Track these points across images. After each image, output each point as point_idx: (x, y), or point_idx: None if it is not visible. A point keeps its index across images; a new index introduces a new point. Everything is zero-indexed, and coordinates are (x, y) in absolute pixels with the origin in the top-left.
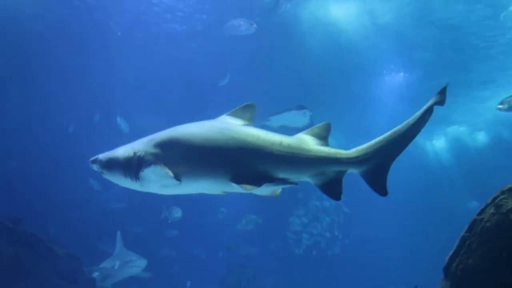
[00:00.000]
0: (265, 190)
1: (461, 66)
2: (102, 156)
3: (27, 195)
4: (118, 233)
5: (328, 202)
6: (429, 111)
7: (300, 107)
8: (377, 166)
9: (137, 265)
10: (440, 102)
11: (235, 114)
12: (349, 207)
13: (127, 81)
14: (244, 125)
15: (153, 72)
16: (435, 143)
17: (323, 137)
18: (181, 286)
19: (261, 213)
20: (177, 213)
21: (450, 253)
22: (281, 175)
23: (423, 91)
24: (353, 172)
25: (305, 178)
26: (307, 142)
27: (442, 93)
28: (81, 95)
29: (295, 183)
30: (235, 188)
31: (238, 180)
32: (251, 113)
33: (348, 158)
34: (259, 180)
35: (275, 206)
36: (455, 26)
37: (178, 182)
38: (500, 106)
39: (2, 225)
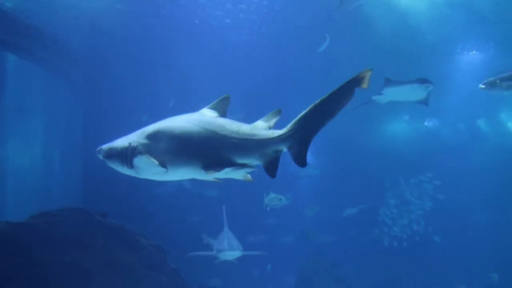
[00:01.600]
0: (236, 174)
1: None
2: (105, 146)
3: (111, 189)
4: (224, 207)
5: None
6: (346, 89)
7: (422, 81)
8: (300, 140)
9: (230, 255)
10: (360, 84)
11: (212, 107)
12: (443, 193)
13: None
14: (218, 116)
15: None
16: None
17: (270, 122)
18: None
19: (339, 200)
20: (278, 200)
21: None
22: (239, 160)
23: (497, 69)
24: (284, 149)
25: (255, 161)
26: (258, 127)
27: (364, 76)
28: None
29: (252, 167)
30: (206, 174)
31: (206, 167)
32: (225, 105)
33: (279, 136)
34: (221, 166)
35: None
36: None
37: (165, 169)
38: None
39: (92, 218)
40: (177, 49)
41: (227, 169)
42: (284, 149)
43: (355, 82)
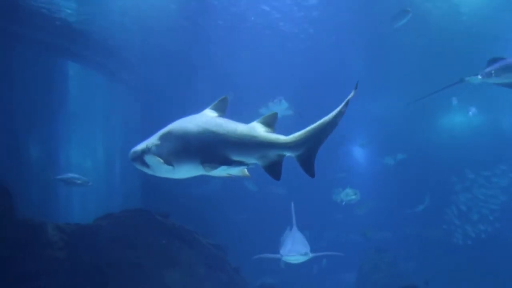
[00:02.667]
0: (233, 170)
1: None
2: (132, 150)
3: (168, 189)
4: (292, 204)
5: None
6: (346, 105)
7: None
8: (307, 151)
9: (295, 259)
10: (352, 97)
11: (213, 107)
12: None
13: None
14: (218, 116)
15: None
16: None
17: (270, 125)
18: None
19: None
20: (354, 195)
21: None
22: (236, 158)
23: None
24: (289, 155)
25: (253, 160)
26: (256, 129)
27: (356, 89)
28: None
29: (247, 165)
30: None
31: (203, 163)
32: (224, 105)
33: (285, 143)
34: (219, 163)
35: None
36: None
37: (171, 167)
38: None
39: (154, 219)
40: (226, 46)
41: (224, 166)
42: (291, 154)
43: (352, 96)
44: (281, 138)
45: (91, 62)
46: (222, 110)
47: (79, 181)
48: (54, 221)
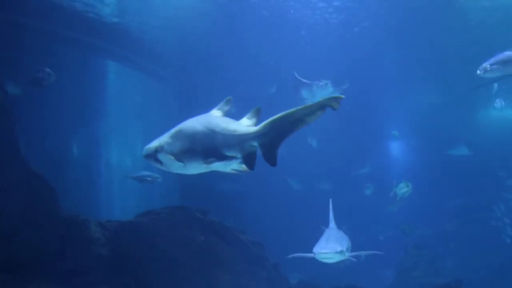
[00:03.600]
0: (234, 166)
1: None
2: (146, 147)
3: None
4: (330, 200)
5: None
6: (321, 107)
7: None
8: (270, 140)
9: (329, 258)
10: (333, 106)
11: (219, 108)
12: None
13: None
14: (221, 116)
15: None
16: None
17: (255, 119)
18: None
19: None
20: (406, 187)
21: None
22: (227, 153)
23: None
24: (256, 144)
25: (238, 154)
26: (241, 124)
27: (337, 100)
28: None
29: (236, 158)
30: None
31: (204, 160)
32: (228, 106)
33: (254, 133)
34: (216, 159)
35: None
36: None
37: (182, 164)
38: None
39: (193, 216)
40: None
41: (222, 162)
42: (256, 144)
43: (329, 102)
44: (251, 129)
45: (129, 61)
46: (226, 110)
47: (149, 178)
48: (96, 219)
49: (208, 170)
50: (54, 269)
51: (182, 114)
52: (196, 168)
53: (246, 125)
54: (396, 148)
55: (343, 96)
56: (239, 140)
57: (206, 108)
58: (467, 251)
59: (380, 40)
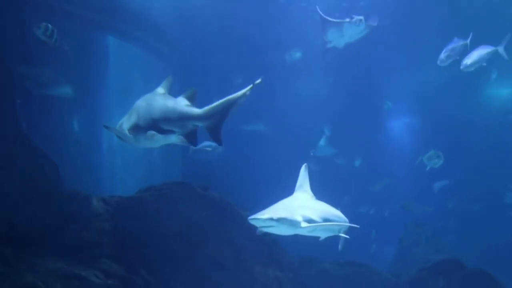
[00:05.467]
0: (172, 139)
1: None
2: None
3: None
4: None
5: None
6: (247, 92)
7: None
8: (214, 122)
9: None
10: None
11: (162, 85)
12: None
13: None
14: (164, 93)
15: None
16: None
17: (191, 99)
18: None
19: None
20: (437, 158)
21: None
22: (165, 127)
23: None
24: (200, 125)
25: (176, 129)
26: (179, 102)
27: (255, 86)
28: None
29: (174, 132)
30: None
31: (147, 133)
32: (169, 84)
33: (197, 115)
34: (156, 131)
35: None
36: None
37: (132, 137)
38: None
39: (194, 192)
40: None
41: (160, 135)
42: (201, 125)
43: (250, 88)
44: (195, 111)
45: (129, 36)
46: (167, 88)
47: (209, 148)
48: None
49: (155, 144)
50: (57, 244)
51: (183, 91)
52: (144, 141)
53: (184, 104)
54: (398, 126)
55: (260, 80)
56: (180, 118)
57: (207, 89)
58: (467, 229)
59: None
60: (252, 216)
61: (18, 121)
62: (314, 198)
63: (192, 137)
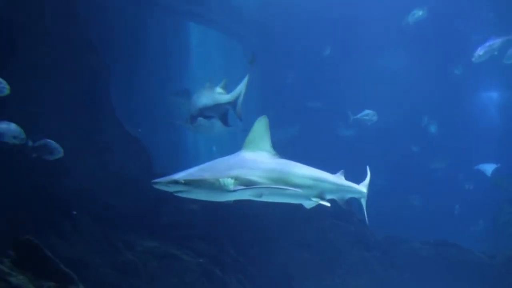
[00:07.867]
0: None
1: None
2: None
3: None
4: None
5: None
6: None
7: None
8: (237, 102)
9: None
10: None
11: (221, 86)
12: None
13: None
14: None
15: None
16: None
17: (224, 88)
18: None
19: None
20: None
21: None
22: (207, 113)
23: None
24: (228, 107)
25: (214, 113)
26: (215, 91)
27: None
28: None
29: (213, 117)
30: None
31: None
32: (226, 84)
33: (226, 100)
34: (202, 117)
35: None
36: None
37: (196, 124)
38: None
39: None
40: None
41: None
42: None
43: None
44: (224, 96)
45: (209, 21)
46: (224, 87)
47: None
48: None
49: (211, 131)
50: (152, 224)
51: (263, 76)
52: (200, 126)
53: (218, 92)
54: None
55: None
56: (215, 104)
57: (286, 69)
58: None
59: None
60: (156, 180)
61: (113, 108)
62: (274, 156)
63: (225, 118)
